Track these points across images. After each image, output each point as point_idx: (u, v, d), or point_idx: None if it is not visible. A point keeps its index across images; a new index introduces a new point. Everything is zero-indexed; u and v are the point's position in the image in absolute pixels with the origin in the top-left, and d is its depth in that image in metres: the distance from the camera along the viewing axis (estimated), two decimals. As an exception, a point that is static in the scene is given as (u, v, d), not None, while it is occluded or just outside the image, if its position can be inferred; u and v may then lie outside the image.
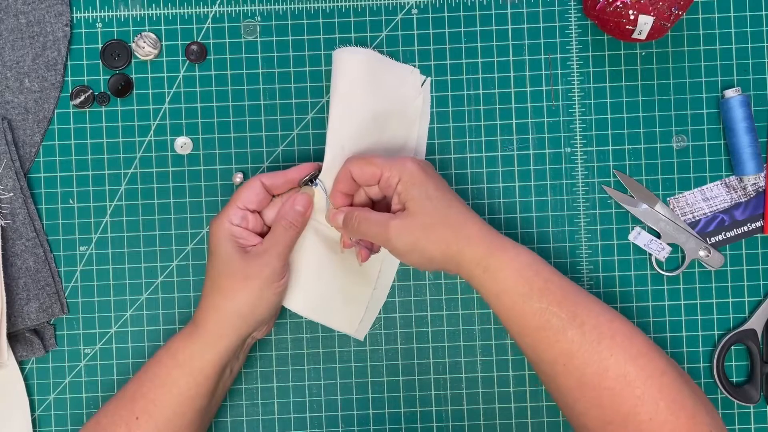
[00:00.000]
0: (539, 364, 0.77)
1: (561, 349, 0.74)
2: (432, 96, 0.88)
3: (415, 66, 0.87)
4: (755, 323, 0.87)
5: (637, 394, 0.72)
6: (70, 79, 0.88)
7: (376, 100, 0.84)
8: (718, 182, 0.88)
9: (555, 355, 0.75)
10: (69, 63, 0.88)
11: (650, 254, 0.88)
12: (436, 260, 0.78)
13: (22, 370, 0.87)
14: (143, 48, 0.87)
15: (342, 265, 0.85)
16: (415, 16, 0.88)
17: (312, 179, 0.82)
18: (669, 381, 0.73)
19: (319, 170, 0.82)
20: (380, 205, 0.83)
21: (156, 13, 0.88)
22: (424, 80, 0.87)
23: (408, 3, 0.88)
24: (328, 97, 0.87)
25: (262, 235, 0.81)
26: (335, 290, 0.85)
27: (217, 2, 0.88)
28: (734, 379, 0.89)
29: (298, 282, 0.83)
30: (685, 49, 0.88)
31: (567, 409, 0.77)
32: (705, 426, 0.72)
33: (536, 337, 0.76)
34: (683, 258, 0.88)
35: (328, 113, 0.84)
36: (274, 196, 0.83)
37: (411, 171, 0.77)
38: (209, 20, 0.88)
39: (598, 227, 0.88)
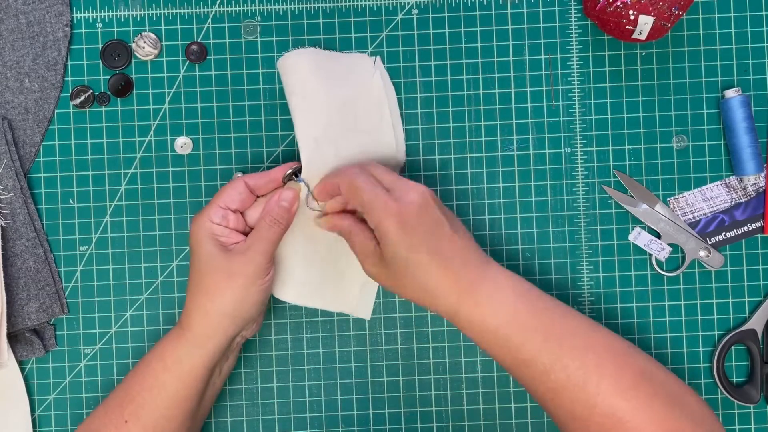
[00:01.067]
0: (531, 394, 0.77)
1: (547, 387, 0.75)
2: (432, 96, 0.88)
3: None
4: (755, 323, 0.87)
5: (628, 427, 0.72)
6: (70, 79, 0.88)
7: (334, 89, 0.83)
8: (718, 182, 0.88)
9: (542, 391, 0.75)
10: (69, 63, 0.88)
11: (650, 254, 0.88)
12: (412, 301, 0.80)
13: (22, 370, 0.87)
14: (143, 48, 0.87)
15: (329, 248, 0.84)
16: (415, 16, 0.88)
17: (295, 174, 0.82)
18: (660, 407, 0.73)
19: (299, 167, 0.82)
20: None
21: (156, 13, 0.88)
22: (375, 59, 0.87)
23: (408, 3, 0.88)
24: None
25: (245, 234, 0.80)
26: (326, 273, 0.84)
27: (217, 2, 0.88)
28: (734, 380, 0.89)
29: (287, 271, 0.83)
30: (686, 49, 0.88)
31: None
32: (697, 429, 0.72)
33: (520, 376, 0.76)
34: (683, 258, 0.88)
35: (291, 114, 0.84)
36: (258, 197, 0.82)
37: (386, 228, 0.75)
38: (209, 20, 0.88)
39: (598, 227, 0.88)
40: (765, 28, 0.88)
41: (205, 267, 0.78)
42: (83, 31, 0.88)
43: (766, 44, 0.88)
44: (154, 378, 0.78)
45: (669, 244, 0.87)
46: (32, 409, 0.87)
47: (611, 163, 0.88)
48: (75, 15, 0.88)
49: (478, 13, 0.88)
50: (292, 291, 0.84)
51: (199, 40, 0.88)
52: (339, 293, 0.85)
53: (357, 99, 0.85)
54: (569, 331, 0.76)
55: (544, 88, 0.88)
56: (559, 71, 0.88)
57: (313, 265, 0.84)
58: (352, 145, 0.83)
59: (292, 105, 0.83)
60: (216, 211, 0.79)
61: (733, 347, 0.88)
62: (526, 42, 0.88)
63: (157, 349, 0.80)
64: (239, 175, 0.87)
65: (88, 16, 0.88)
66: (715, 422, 0.75)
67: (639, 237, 0.88)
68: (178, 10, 0.88)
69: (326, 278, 0.85)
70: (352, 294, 0.86)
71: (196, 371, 0.78)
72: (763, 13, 0.88)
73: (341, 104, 0.83)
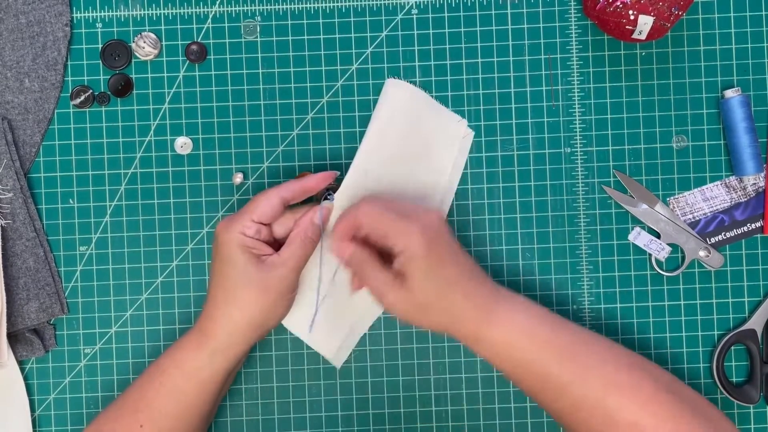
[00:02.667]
0: (547, 409, 0.78)
1: (565, 403, 0.75)
2: (432, 97, 0.88)
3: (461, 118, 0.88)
4: (755, 323, 0.87)
5: None
6: (70, 79, 0.88)
7: (412, 138, 0.85)
8: (718, 182, 0.88)
9: (560, 407, 0.76)
10: (69, 63, 0.88)
11: (650, 254, 0.88)
12: (432, 330, 0.82)
13: (22, 370, 0.87)
14: (143, 48, 0.87)
15: (333, 290, 0.85)
16: (415, 16, 0.88)
17: (329, 193, 0.82)
18: (683, 418, 0.73)
19: (336, 181, 0.83)
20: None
21: (156, 13, 0.88)
22: (467, 134, 0.87)
23: (408, 3, 0.88)
24: (367, 118, 0.88)
25: (270, 244, 0.81)
26: (323, 311, 0.85)
27: (217, 2, 0.88)
28: (734, 380, 0.89)
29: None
30: (685, 49, 0.88)
31: None
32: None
33: (538, 393, 0.77)
34: (683, 258, 0.88)
35: (364, 134, 0.84)
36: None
37: (415, 249, 0.74)
38: (209, 20, 0.88)
39: (598, 227, 0.88)
40: (765, 28, 0.88)
41: (238, 278, 0.78)
42: (83, 31, 0.88)
43: (766, 44, 0.88)
44: (173, 384, 0.78)
45: (669, 244, 0.87)
46: (32, 409, 0.87)
47: (611, 163, 0.88)
48: (75, 15, 0.88)
49: (478, 13, 0.88)
50: (289, 315, 0.84)
51: (199, 40, 0.88)
52: (323, 335, 0.86)
53: (424, 158, 0.85)
54: (585, 348, 0.77)
55: (544, 88, 0.88)
56: (559, 71, 0.88)
57: (313, 298, 0.84)
58: (394, 193, 0.84)
59: (371, 126, 0.84)
60: (250, 225, 0.79)
61: (732, 347, 0.88)
62: (526, 42, 0.88)
63: (173, 355, 0.80)
64: (239, 175, 0.87)
65: (88, 16, 0.88)
66: (735, 430, 0.76)
67: (639, 237, 0.88)
68: (178, 10, 0.88)
69: (319, 315, 0.85)
70: (334, 342, 0.86)
71: (216, 378, 0.79)
72: (763, 13, 0.88)
73: (410, 154, 0.85)
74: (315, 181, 0.81)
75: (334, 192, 0.82)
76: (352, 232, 0.77)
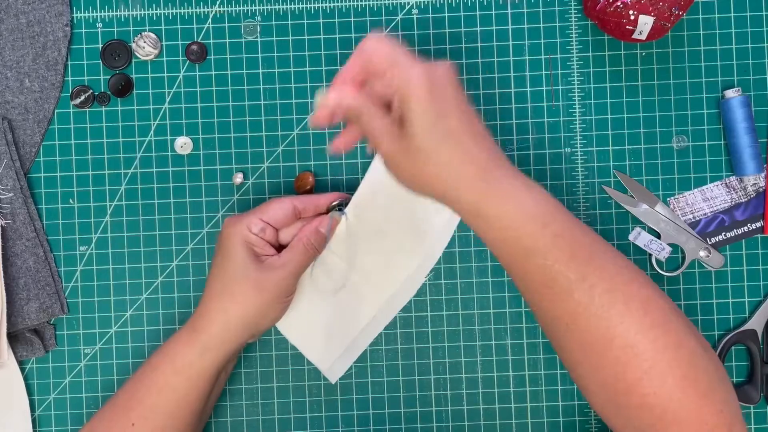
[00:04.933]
0: (542, 319, 0.72)
1: (566, 309, 0.69)
2: (432, 96, 0.88)
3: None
4: (755, 323, 0.87)
5: (644, 367, 0.67)
6: (70, 79, 0.88)
7: None
8: (719, 182, 0.88)
9: (559, 314, 0.69)
10: (69, 63, 0.88)
11: (650, 254, 0.88)
12: (428, 196, 0.71)
13: (22, 370, 0.87)
14: (143, 48, 0.87)
15: (337, 302, 0.85)
16: (415, 16, 0.88)
17: (339, 207, 0.83)
18: (684, 355, 0.68)
19: (348, 200, 0.83)
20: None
21: (156, 13, 0.88)
22: None
23: (408, 3, 0.88)
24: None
25: (274, 248, 0.81)
26: (322, 324, 0.85)
27: (217, 2, 0.88)
28: (734, 380, 0.89)
29: (293, 304, 0.83)
30: (686, 49, 0.88)
31: (570, 369, 0.73)
32: (717, 405, 0.68)
33: (539, 293, 0.70)
34: (683, 258, 0.88)
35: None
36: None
37: (417, 84, 0.67)
38: (209, 20, 0.88)
39: (598, 227, 0.88)
40: (765, 28, 0.88)
41: (236, 273, 0.78)
42: (83, 31, 0.88)
43: (766, 44, 0.88)
44: (164, 381, 0.78)
45: (669, 244, 0.87)
46: (32, 409, 0.87)
47: (611, 164, 0.88)
48: (75, 15, 0.88)
49: (478, 13, 0.88)
50: (287, 322, 0.85)
51: (199, 40, 0.88)
52: (320, 348, 0.86)
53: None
54: (600, 252, 0.70)
55: (544, 88, 0.88)
56: (559, 71, 0.88)
57: (314, 309, 0.85)
58: (400, 213, 0.85)
59: None
60: (257, 222, 0.79)
61: (733, 347, 0.88)
62: (526, 42, 0.88)
63: (165, 352, 0.80)
64: (239, 175, 0.87)
65: (88, 16, 0.88)
66: (731, 391, 0.70)
67: (639, 237, 0.88)
68: (178, 10, 0.88)
69: (317, 329, 0.85)
70: (332, 356, 0.86)
71: (207, 373, 0.79)
72: (763, 13, 0.88)
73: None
74: (327, 200, 0.83)
75: (345, 207, 0.83)
76: (356, 71, 0.70)
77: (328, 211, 0.83)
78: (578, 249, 0.69)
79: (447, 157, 0.68)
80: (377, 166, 0.84)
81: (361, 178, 0.87)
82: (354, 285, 0.85)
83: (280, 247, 0.82)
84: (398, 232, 0.85)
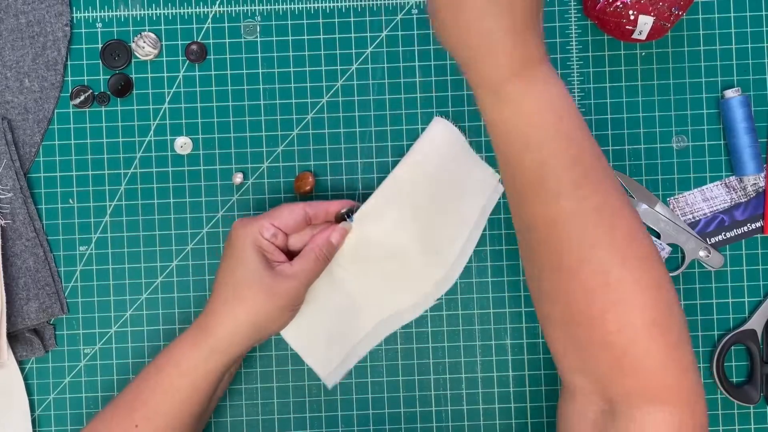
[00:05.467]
0: (519, 221, 0.68)
1: (547, 214, 0.65)
2: (432, 96, 0.88)
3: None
4: (755, 323, 0.87)
5: (613, 299, 0.63)
6: (70, 79, 0.88)
7: (444, 179, 0.84)
8: (718, 182, 0.88)
9: (538, 219, 0.65)
10: (69, 63, 0.88)
11: (650, 254, 0.88)
12: (459, 53, 0.66)
13: (21, 369, 0.87)
14: (143, 48, 0.87)
15: (339, 310, 0.85)
16: (415, 16, 0.88)
17: (348, 214, 0.83)
18: (659, 299, 0.63)
19: (356, 205, 0.83)
20: None
21: (156, 13, 0.88)
22: (497, 188, 0.86)
23: (408, 3, 0.88)
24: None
25: (283, 253, 0.81)
26: (324, 331, 0.85)
27: (217, 2, 0.88)
28: (734, 380, 0.89)
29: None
30: (685, 49, 0.88)
31: (534, 289, 0.69)
32: (682, 363, 0.63)
33: (526, 191, 0.66)
34: (683, 258, 0.88)
35: (398, 162, 0.83)
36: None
37: None
38: (209, 20, 0.88)
39: (598, 227, 0.88)
40: (765, 28, 0.88)
41: (247, 277, 0.78)
42: (83, 30, 0.88)
43: (766, 44, 0.88)
44: (169, 383, 0.78)
45: (669, 244, 0.87)
46: (32, 409, 0.87)
47: (611, 163, 0.88)
48: (75, 15, 0.88)
49: (478, 13, 0.88)
50: (289, 326, 0.84)
51: (198, 40, 0.88)
52: (320, 354, 0.86)
53: (454, 201, 0.85)
54: (601, 170, 0.66)
55: (544, 88, 0.88)
56: (559, 71, 0.88)
57: (316, 316, 0.84)
58: (411, 233, 0.84)
59: (408, 157, 0.84)
60: (269, 227, 0.79)
61: (732, 347, 0.88)
62: (526, 42, 0.88)
63: (171, 353, 0.79)
64: (239, 175, 0.87)
65: (88, 16, 0.88)
66: (695, 360, 0.66)
67: (639, 237, 0.88)
68: (178, 10, 0.88)
69: (318, 335, 0.85)
70: (331, 362, 0.86)
71: (212, 376, 0.78)
72: (763, 13, 0.88)
73: (439, 194, 0.84)
74: (335, 205, 0.82)
75: (353, 214, 0.83)
76: None
77: (337, 220, 0.83)
78: (581, 157, 0.65)
79: (478, 14, 0.63)
80: (394, 179, 0.84)
81: (361, 177, 0.87)
82: (356, 295, 0.85)
83: (288, 253, 0.82)
84: (408, 254, 0.85)
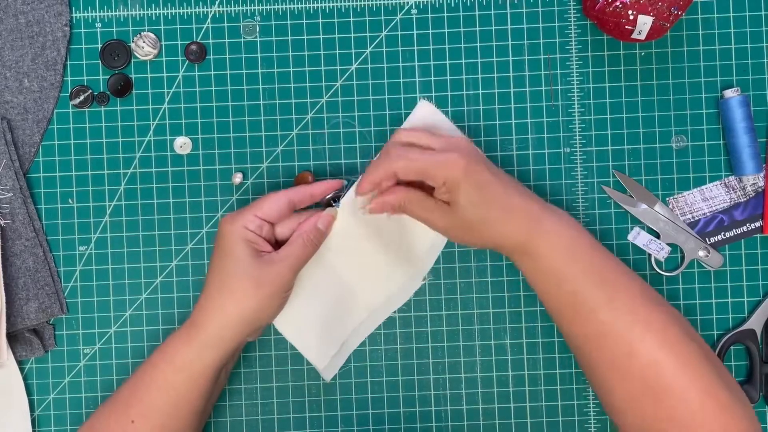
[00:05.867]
0: (571, 337, 0.79)
1: (593, 328, 0.76)
2: (432, 96, 0.88)
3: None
4: (754, 323, 0.87)
5: (667, 382, 0.73)
6: (69, 79, 0.88)
7: None
8: (718, 182, 0.88)
9: (587, 332, 0.77)
10: (68, 63, 0.88)
11: (650, 254, 0.88)
12: (482, 247, 0.84)
13: (21, 370, 0.87)
14: (143, 48, 0.87)
15: (333, 298, 0.85)
16: (414, 16, 0.88)
17: (334, 199, 0.82)
18: (703, 372, 0.74)
19: (343, 188, 0.82)
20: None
21: (156, 13, 0.88)
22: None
23: (408, 3, 0.88)
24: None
25: (271, 245, 0.81)
26: (319, 321, 0.85)
27: (217, 2, 0.88)
28: (733, 379, 0.89)
29: (289, 300, 0.83)
30: (685, 49, 0.88)
31: (597, 388, 0.78)
32: (738, 419, 0.73)
33: (569, 314, 0.78)
34: (682, 258, 0.88)
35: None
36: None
37: (457, 176, 0.77)
38: (209, 20, 0.88)
39: (598, 227, 0.88)
40: (764, 28, 0.88)
41: (235, 270, 0.78)
42: (82, 30, 0.88)
43: (765, 44, 0.88)
44: (164, 379, 0.78)
45: (668, 244, 0.88)
46: (32, 409, 0.87)
47: (610, 163, 0.88)
48: (74, 15, 0.88)
49: (477, 13, 0.88)
50: (284, 318, 0.84)
51: (198, 40, 0.88)
52: (317, 346, 0.85)
53: None
54: (625, 279, 0.78)
55: (543, 88, 0.88)
56: (559, 71, 0.88)
57: (311, 306, 0.84)
58: (399, 222, 0.84)
59: (394, 136, 0.82)
60: (253, 219, 0.79)
61: (732, 347, 0.88)
62: (526, 42, 0.88)
63: (164, 350, 0.80)
64: (239, 175, 0.87)
65: (88, 16, 0.88)
66: (751, 408, 0.75)
67: (638, 237, 0.88)
68: (177, 10, 0.88)
69: (314, 326, 0.85)
70: (326, 355, 0.86)
71: (207, 372, 0.78)
72: (763, 13, 0.88)
73: None
74: (322, 189, 0.82)
75: (340, 199, 0.82)
76: (387, 180, 0.79)
77: (325, 205, 0.83)
78: (606, 274, 0.77)
79: (494, 220, 0.78)
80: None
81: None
82: (349, 281, 0.85)
83: (276, 242, 0.82)
84: (394, 232, 0.85)
